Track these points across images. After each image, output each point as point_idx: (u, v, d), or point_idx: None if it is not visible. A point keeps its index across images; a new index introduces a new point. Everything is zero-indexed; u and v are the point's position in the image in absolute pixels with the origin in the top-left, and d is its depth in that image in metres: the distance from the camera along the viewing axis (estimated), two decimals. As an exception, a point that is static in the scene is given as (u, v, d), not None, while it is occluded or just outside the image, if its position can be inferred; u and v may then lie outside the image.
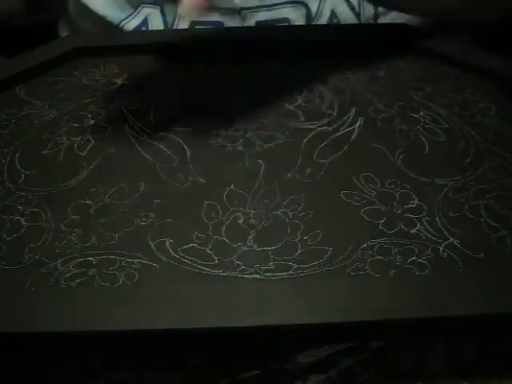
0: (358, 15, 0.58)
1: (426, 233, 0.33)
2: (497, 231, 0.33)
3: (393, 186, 0.36)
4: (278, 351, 0.32)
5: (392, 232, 0.33)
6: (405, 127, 0.41)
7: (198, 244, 0.33)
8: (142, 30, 0.57)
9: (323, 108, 0.43)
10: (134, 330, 0.28)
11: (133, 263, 0.32)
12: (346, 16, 0.57)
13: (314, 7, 0.57)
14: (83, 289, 0.31)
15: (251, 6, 0.56)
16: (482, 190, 0.36)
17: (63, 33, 0.65)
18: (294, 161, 0.38)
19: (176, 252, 0.33)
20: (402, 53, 0.48)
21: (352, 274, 0.31)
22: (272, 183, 0.37)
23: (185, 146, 0.40)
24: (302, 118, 0.42)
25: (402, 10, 0.52)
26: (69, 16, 0.63)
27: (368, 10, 0.58)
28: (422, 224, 0.34)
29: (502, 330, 0.32)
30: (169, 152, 0.39)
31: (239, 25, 0.57)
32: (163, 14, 0.58)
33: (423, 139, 0.40)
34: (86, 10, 0.58)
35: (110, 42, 0.49)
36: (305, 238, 0.33)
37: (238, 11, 0.57)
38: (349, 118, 0.42)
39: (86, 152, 0.40)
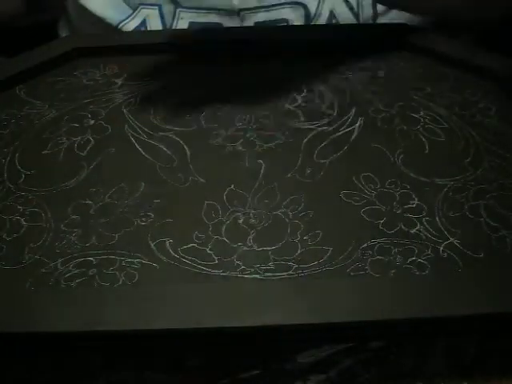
0: (356, 15, 0.58)
1: (425, 233, 0.33)
2: (497, 231, 0.33)
3: (393, 186, 0.36)
4: (277, 351, 0.32)
5: (392, 232, 0.33)
6: (405, 127, 0.41)
7: (197, 244, 0.33)
8: (141, 30, 0.57)
9: (323, 108, 0.43)
10: (134, 330, 0.28)
11: (133, 263, 0.32)
12: (345, 16, 0.57)
13: (312, 8, 0.57)
14: (83, 289, 0.31)
15: (250, 6, 0.56)
16: (481, 189, 0.36)
17: (63, 33, 0.65)
18: (294, 161, 0.38)
19: (176, 252, 0.33)
20: (402, 53, 0.48)
21: (352, 274, 0.31)
22: (272, 183, 0.37)
23: (185, 146, 0.40)
24: (302, 118, 0.42)
25: (403, 9, 0.52)
26: (68, 17, 0.63)
27: (367, 11, 0.58)
28: (422, 224, 0.34)
29: (502, 330, 0.32)
30: (169, 152, 0.39)
31: (238, 26, 0.57)
32: (162, 16, 0.58)
33: (423, 139, 0.40)
34: (85, 11, 0.58)
35: (110, 42, 0.49)
36: (305, 238, 0.33)
37: (237, 12, 0.57)
38: (349, 118, 0.42)
39: (85, 152, 0.40)
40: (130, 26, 0.58)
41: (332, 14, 0.57)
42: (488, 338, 0.32)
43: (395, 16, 0.57)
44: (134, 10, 0.57)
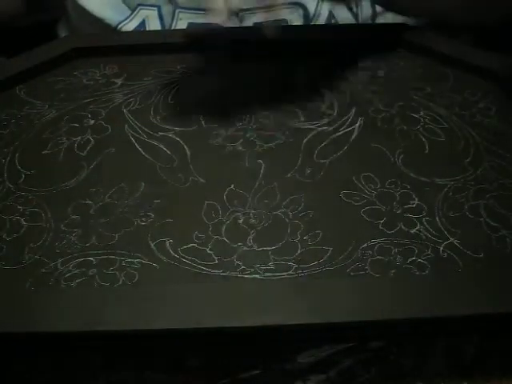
0: (355, 16, 0.58)
1: (425, 233, 0.33)
2: (497, 231, 0.33)
3: (393, 186, 0.36)
4: (278, 351, 0.32)
5: (392, 232, 0.33)
6: (405, 127, 0.41)
7: (197, 244, 0.33)
8: (141, 31, 0.57)
9: (323, 108, 0.43)
10: (134, 329, 0.28)
11: (133, 263, 0.32)
12: (344, 16, 0.57)
13: (311, 8, 0.57)
14: (83, 289, 0.31)
15: (249, 7, 0.56)
16: (481, 189, 0.36)
17: (62, 33, 0.65)
18: (294, 161, 0.38)
19: (176, 252, 0.33)
20: (402, 53, 0.48)
21: (352, 273, 0.31)
22: (272, 183, 0.37)
23: (185, 146, 0.40)
24: (302, 118, 0.42)
25: (400, 12, 0.52)
26: (68, 17, 0.63)
27: (366, 11, 0.58)
28: (422, 224, 0.34)
29: (502, 329, 0.32)
30: (169, 152, 0.39)
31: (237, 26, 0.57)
32: (161, 16, 0.58)
33: (423, 139, 0.40)
34: (84, 11, 0.58)
35: (110, 42, 0.49)
36: (305, 238, 0.33)
37: (236, 13, 0.56)
38: (349, 118, 0.42)
39: (85, 152, 0.40)
40: (129, 26, 0.58)
41: (331, 15, 0.57)
42: (488, 338, 0.32)
43: (394, 16, 0.57)
44: (133, 10, 0.57)
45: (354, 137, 0.40)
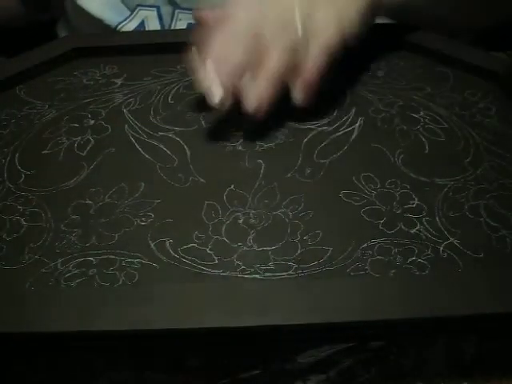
0: None
1: (426, 233, 0.33)
2: (497, 231, 0.33)
3: (393, 186, 0.36)
4: (277, 351, 0.32)
5: (392, 232, 0.33)
6: (405, 127, 0.41)
7: (197, 244, 0.33)
8: (141, 31, 0.57)
9: (323, 108, 0.43)
10: (134, 330, 0.28)
11: (133, 263, 0.32)
12: None
13: None
14: (83, 289, 0.31)
15: None
16: (481, 189, 0.36)
17: (62, 33, 0.65)
18: (294, 161, 0.38)
19: (176, 252, 0.33)
20: (402, 53, 0.48)
21: (352, 273, 0.31)
22: (272, 183, 0.37)
23: (185, 146, 0.40)
24: (302, 118, 0.42)
25: (391, 18, 0.51)
26: (67, 17, 0.63)
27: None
28: (422, 224, 0.34)
29: (502, 329, 0.32)
30: (169, 152, 0.39)
31: None
32: (160, 17, 0.58)
33: (423, 139, 0.40)
34: (83, 12, 0.58)
35: (110, 42, 0.49)
36: (305, 238, 0.33)
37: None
38: (349, 118, 0.42)
39: (85, 152, 0.40)
40: (129, 27, 0.58)
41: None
42: (488, 338, 0.32)
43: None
44: (132, 11, 0.57)
45: (353, 137, 0.40)
